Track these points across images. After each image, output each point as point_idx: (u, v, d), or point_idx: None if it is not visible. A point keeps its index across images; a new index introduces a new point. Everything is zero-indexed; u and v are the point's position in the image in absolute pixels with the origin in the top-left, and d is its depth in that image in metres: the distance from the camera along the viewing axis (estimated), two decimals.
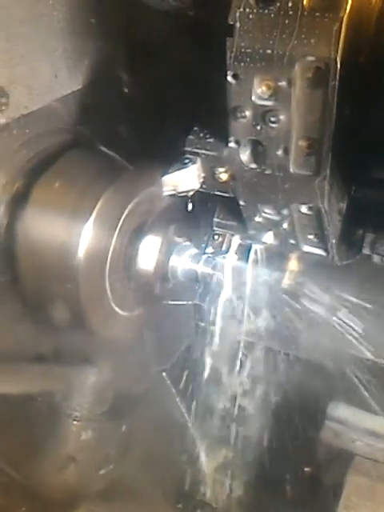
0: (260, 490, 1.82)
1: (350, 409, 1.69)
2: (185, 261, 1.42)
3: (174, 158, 1.23)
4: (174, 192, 1.24)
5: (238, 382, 1.69)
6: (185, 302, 1.53)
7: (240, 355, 1.63)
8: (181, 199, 1.42)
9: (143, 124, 1.51)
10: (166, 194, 1.23)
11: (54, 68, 1.39)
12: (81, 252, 1.24)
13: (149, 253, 1.39)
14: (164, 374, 1.64)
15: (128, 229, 1.34)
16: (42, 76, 1.36)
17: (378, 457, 1.62)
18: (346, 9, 0.93)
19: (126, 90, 1.51)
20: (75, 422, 1.83)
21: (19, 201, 1.31)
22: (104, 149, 1.42)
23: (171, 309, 1.61)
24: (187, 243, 1.46)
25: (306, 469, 1.76)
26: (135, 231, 1.36)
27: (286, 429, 1.75)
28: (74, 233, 1.25)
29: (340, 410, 1.69)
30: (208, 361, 1.61)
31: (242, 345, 1.62)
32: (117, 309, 1.40)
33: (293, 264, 1.46)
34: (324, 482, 1.67)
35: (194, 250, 1.44)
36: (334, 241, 1.25)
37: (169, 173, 1.21)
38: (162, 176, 1.22)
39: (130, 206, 1.34)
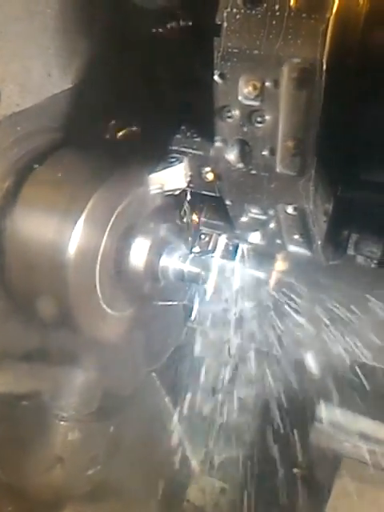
0: (248, 491, 1.82)
1: (339, 410, 1.69)
2: (175, 261, 1.42)
3: (162, 157, 1.24)
4: (160, 190, 1.24)
5: (225, 383, 1.69)
6: (175, 303, 1.53)
7: (227, 355, 1.63)
8: (172, 199, 1.42)
9: (134, 123, 1.51)
10: (152, 192, 1.23)
11: (46, 66, 1.38)
12: (71, 251, 1.24)
13: (139, 253, 1.38)
14: (153, 374, 1.64)
15: (119, 229, 1.34)
16: (35, 74, 1.36)
17: (366, 459, 1.62)
18: (332, 10, 0.93)
19: (117, 89, 1.50)
20: (63, 423, 1.82)
21: (9, 199, 1.30)
22: (96, 148, 1.42)
23: (161, 309, 1.61)
24: (177, 243, 1.45)
25: (294, 470, 1.77)
26: (126, 231, 1.36)
27: (275, 430, 1.75)
28: (65, 232, 1.24)
29: (329, 412, 1.70)
30: (196, 361, 1.61)
31: (229, 345, 1.62)
32: (107, 308, 1.39)
33: (279, 264, 1.47)
34: (312, 483, 1.67)
35: (185, 251, 1.44)
36: (319, 241, 1.26)
37: (156, 171, 1.21)
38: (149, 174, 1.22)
39: (120, 206, 1.33)
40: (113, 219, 1.32)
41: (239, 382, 1.66)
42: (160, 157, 1.25)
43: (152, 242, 1.39)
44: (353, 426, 1.68)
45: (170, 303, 1.57)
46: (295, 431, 1.71)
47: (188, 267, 1.41)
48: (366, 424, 1.66)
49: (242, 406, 1.73)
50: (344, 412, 1.68)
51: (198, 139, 1.20)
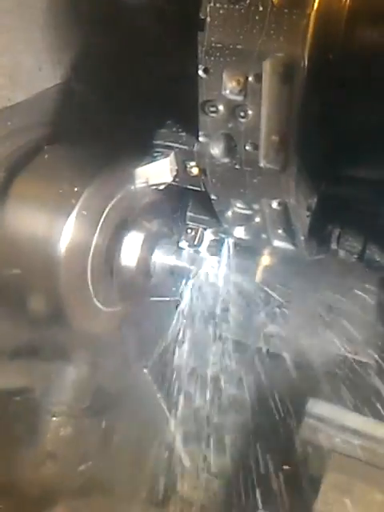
0: (238, 486, 1.83)
1: (328, 406, 1.70)
2: (167, 257, 1.42)
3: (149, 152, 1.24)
4: (145, 184, 1.24)
5: (215, 378, 1.70)
6: (167, 298, 1.53)
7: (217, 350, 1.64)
8: (164, 195, 1.42)
9: (125, 118, 1.51)
10: (137, 186, 1.23)
11: (37, 60, 1.38)
12: (62, 247, 1.24)
13: (131, 249, 1.38)
14: (145, 370, 1.64)
15: (110, 224, 1.34)
16: (25, 68, 1.35)
17: (356, 454, 1.63)
18: (313, 5, 0.94)
19: (109, 84, 1.50)
20: (54, 418, 1.83)
21: (0, 194, 1.30)
22: (87, 143, 1.41)
23: (153, 305, 1.61)
24: (170, 239, 1.45)
25: (284, 465, 1.78)
26: (118, 227, 1.36)
27: (265, 425, 1.76)
28: (56, 227, 1.24)
29: (319, 407, 1.70)
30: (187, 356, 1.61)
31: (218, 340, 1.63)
32: (98, 304, 1.39)
33: (265, 259, 1.47)
34: (302, 478, 1.68)
35: (177, 246, 1.44)
36: (302, 236, 1.27)
37: (141, 165, 1.21)
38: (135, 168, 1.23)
39: (112, 202, 1.33)
40: (105, 215, 1.31)
41: (229, 377, 1.66)
42: (149, 152, 1.25)
43: (144, 237, 1.39)
44: (343, 420, 1.69)
45: (162, 299, 1.57)
46: (285, 426, 1.72)
47: (180, 263, 1.42)
48: (355, 419, 1.67)
49: (233, 401, 1.74)
50: (334, 407, 1.69)
51: (183, 134, 1.20)
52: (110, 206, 1.33)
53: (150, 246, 1.40)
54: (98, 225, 1.30)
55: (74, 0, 1.38)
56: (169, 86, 1.38)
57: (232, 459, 1.88)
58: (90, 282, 1.33)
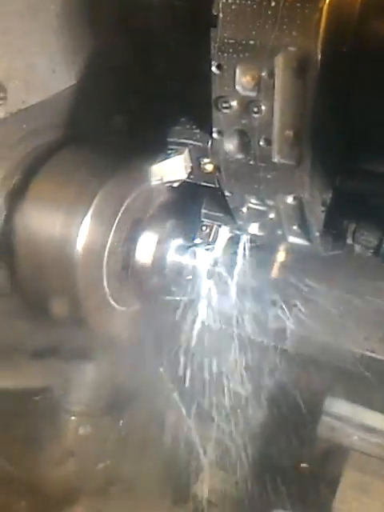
0: (256, 485, 1.82)
1: (346, 404, 1.69)
2: (182, 256, 1.43)
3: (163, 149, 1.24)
4: (160, 181, 1.24)
5: (232, 377, 1.69)
6: (182, 298, 1.53)
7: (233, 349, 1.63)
8: (178, 194, 1.42)
9: (140, 118, 1.51)
10: (152, 183, 1.24)
11: (51, 63, 1.39)
12: (79, 246, 1.25)
13: (146, 248, 1.39)
14: (161, 369, 1.65)
15: (125, 224, 1.34)
16: (40, 71, 1.37)
17: (374, 452, 1.62)
18: None
19: (123, 84, 1.50)
20: (73, 417, 1.84)
21: (17, 195, 1.32)
22: (101, 144, 1.42)
23: (169, 303, 1.61)
24: (184, 238, 1.46)
25: (302, 464, 1.77)
26: (133, 226, 1.36)
27: (283, 424, 1.75)
28: (72, 228, 1.25)
29: (336, 406, 1.69)
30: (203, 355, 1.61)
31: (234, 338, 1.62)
32: (114, 304, 1.40)
33: (281, 255, 1.46)
34: (320, 476, 1.67)
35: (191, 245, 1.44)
36: (317, 232, 1.26)
37: (156, 163, 1.22)
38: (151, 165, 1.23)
39: (127, 201, 1.34)
40: (120, 214, 1.32)
41: (246, 375, 1.66)
42: (164, 149, 1.25)
43: (159, 236, 1.40)
44: (360, 419, 1.67)
45: (177, 298, 1.57)
46: (303, 425, 1.71)
47: (195, 262, 1.42)
48: (373, 417, 1.66)
49: (250, 399, 1.74)
50: (352, 405, 1.68)
51: (197, 130, 1.20)
52: (124, 205, 1.33)
53: (164, 245, 1.41)
54: (113, 225, 1.31)
55: (86, 2, 1.39)
56: (182, 82, 1.38)
57: (250, 458, 1.87)
58: (105, 282, 1.34)
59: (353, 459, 1.58)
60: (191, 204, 1.42)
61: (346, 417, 1.68)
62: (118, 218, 1.32)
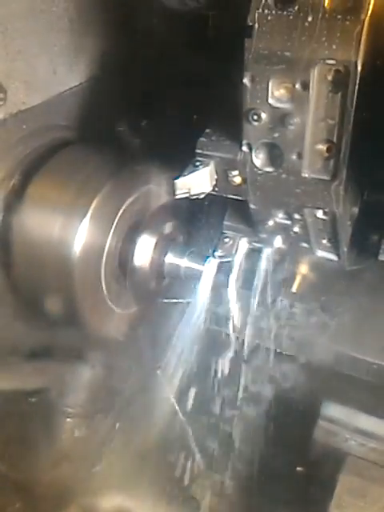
0: (252, 489, 1.82)
1: (343, 408, 1.69)
2: (180, 259, 1.42)
3: (175, 159, 1.22)
4: (186, 195, 1.22)
5: (231, 381, 1.69)
6: (180, 300, 1.53)
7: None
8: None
9: (140, 121, 1.51)
10: (178, 196, 1.21)
11: (52, 64, 1.39)
12: (77, 249, 1.25)
13: (144, 250, 1.39)
14: (158, 371, 1.64)
15: (124, 226, 1.34)
16: (40, 72, 1.36)
17: (371, 457, 1.62)
18: (368, 11, 0.91)
19: (124, 88, 1.50)
20: (69, 419, 1.83)
21: (16, 196, 1.31)
22: (101, 146, 1.42)
23: (166, 306, 1.61)
24: (182, 241, 1.46)
25: (298, 468, 1.77)
26: (131, 229, 1.36)
27: (279, 428, 1.75)
28: (71, 229, 1.25)
29: (333, 410, 1.69)
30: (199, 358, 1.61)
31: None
32: (112, 306, 1.40)
33: (303, 268, 1.46)
34: (316, 481, 1.67)
35: (189, 248, 1.44)
36: (345, 246, 1.24)
37: (182, 175, 1.19)
38: (175, 178, 1.20)
39: (126, 204, 1.34)
40: (118, 217, 1.32)
41: (245, 379, 1.66)
42: (169, 156, 1.23)
43: (157, 239, 1.40)
44: (357, 423, 1.67)
45: (175, 301, 1.57)
46: (299, 429, 1.70)
47: (192, 265, 1.42)
48: (370, 422, 1.66)
49: (245, 403, 1.74)
50: (348, 410, 1.68)
51: (225, 143, 1.17)
52: (123, 208, 1.33)
53: (163, 247, 1.41)
54: (111, 227, 1.31)
55: (88, 4, 1.39)
56: (180, 87, 1.38)
57: (246, 461, 1.87)
58: (103, 284, 1.34)
59: (349, 464, 1.58)
60: (191, 207, 1.43)
61: (342, 421, 1.68)
62: (116, 220, 1.32)
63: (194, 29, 1.40)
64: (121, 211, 1.32)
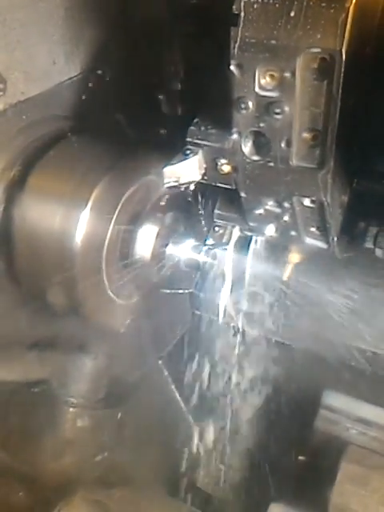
0: (254, 478, 1.83)
1: (344, 397, 1.70)
2: (181, 249, 1.42)
3: (174, 148, 1.22)
4: (175, 183, 1.22)
5: (232, 370, 1.70)
6: (181, 291, 1.53)
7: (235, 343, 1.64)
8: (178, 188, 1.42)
9: (140, 112, 1.51)
10: (166, 185, 1.21)
11: (51, 54, 1.38)
12: (78, 239, 1.25)
13: (146, 241, 1.39)
14: (160, 361, 1.65)
15: (125, 216, 1.34)
16: (40, 62, 1.36)
17: (372, 445, 1.63)
18: None
19: (123, 78, 1.50)
20: (72, 409, 1.84)
21: (16, 187, 1.31)
22: (101, 136, 1.42)
23: (168, 297, 1.61)
24: (184, 231, 1.45)
25: (300, 457, 1.78)
26: (132, 219, 1.36)
27: (281, 417, 1.76)
28: (71, 220, 1.25)
29: (334, 399, 1.70)
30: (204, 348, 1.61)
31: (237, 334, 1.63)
32: (113, 296, 1.40)
33: (294, 256, 1.46)
34: (318, 469, 1.68)
35: (191, 239, 1.44)
36: (334, 234, 1.25)
37: (170, 164, 1.19)
38: (164, 167, 1.20)
39: (127, 194, 1.34)
40: (119, 207, 1.32)
41: (245, 368, 1.66)
42: (167, 146, 1.23)
43: (158, 229, 1.40)
44: (358, 412, 1.68)
45: (176, 291, 1.57)
46: (301, 418, 1.71)
47: (194, 255, 1.42)
48: (371, 411, 1.67)
49: (248, 391, 1.74)
50: (350, 399, 1.69)
51: (213, 131, 1.17)
52: (124, 198, 1.33)
53: (164, 238, 1.41)
54: (112, 217, 1.31)
55: None
56: (180, 79, 1.38)
57: (247, 450, 1.88)
58: (104, 274, 1.34)
59: (350, 452, 1.59)
60: (192, 198, 1.42)
61: (344, 410, 1.69)
62: (117, 211, 1.31)
63: (196, 17, 1.39)
64: (122, 201, 1.32)
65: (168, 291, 1.54)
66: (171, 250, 1.42)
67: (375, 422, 1.67)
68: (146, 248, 1.39)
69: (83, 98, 1.47)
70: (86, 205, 1.24)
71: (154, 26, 1.48)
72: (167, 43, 1.44)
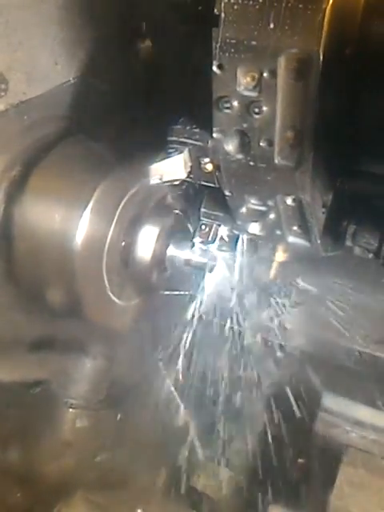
0: (253, 480, 1.83)
1: (343, 400, 1.70)
2: (182, 250, 1.42)
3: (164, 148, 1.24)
4: (159, 181, 1.24)
5: (229, 371, 1.70)
6: (182, 292, 1.53)
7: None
8: (179, 189, 1.42)
9: (141, 112, 1.51)
10: (152, 182, 1.24)
11: (53, 55, 1.38)
12: (78, 240, 1.25)
13: (146, 242, 1.39)
14: (160, 363, 1.65)
15: (125, 218, 1.34)
16: (41, 63, 1.36)
17: (371, 448, 1.63)
18: (328, 0, 0.93)
19: (124, 79, 1.50)
20: (71, 410, 1.84)
21: (17, 188, 1.31)
22: (102, 138, 1.42)
23: (168, 298, 1.61)
24: (184, 233, 1.45)
25: (299, 460, 1.78)
26: (133, 220, 1.36)
27: (280, 419, 1.76)
28: (72, 221, 1.25)
29: (334, 402, 1.70)
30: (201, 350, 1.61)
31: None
32: (114, 298, 1.40)
33: (279, 255, 1.47)
34: (317, 472, 1.68)
35: (192, 240, 1.44)
36: (317, 233, 1.26)
37: (156, 162, 1.21)
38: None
39: (128, 195, 1.33)
40: (120, 208, 1.32)
41: (244, 370, 1.66)
42: (164, 148, 1.25)
43: (159, 231, 1.39)
44: (358, 415, 1.68)
45: (177, 293, 1.57)
46: (300, 421, 1.71)
47: (195, 256, 1.42)
48: (370, 414, 1.67)
49: (247, 394, 1.74)
50: (349, 402, 1.69)
51: (197, 130, 1.20)
52: (125, 199, 1.33)
53: (165, 239, 1.41)
54: (113, 218, 1.31)
55: None
56: (183, 80, 1.38)
57: (246, 453, 1.88)
58: (105, 276, 1.34)
59: (350, 455, 1.59)
60: (192, 199, 1.42)
61: (343, 413, 1.69)
62: (118, 212, 1.31)
63: (196, 18, 1.39)
64: (123, 203, 1.32)
65: (169, 293, 1.54)
66: (172, 251, 1.42)
67: (375, 425, 1.67)
68: (146, 249, 1.39)
69: (85, 98, 1.47)
70: (87, 206, 1.24)
71: (157, 27, 1.49)
72: (167, 44, 1.45)
